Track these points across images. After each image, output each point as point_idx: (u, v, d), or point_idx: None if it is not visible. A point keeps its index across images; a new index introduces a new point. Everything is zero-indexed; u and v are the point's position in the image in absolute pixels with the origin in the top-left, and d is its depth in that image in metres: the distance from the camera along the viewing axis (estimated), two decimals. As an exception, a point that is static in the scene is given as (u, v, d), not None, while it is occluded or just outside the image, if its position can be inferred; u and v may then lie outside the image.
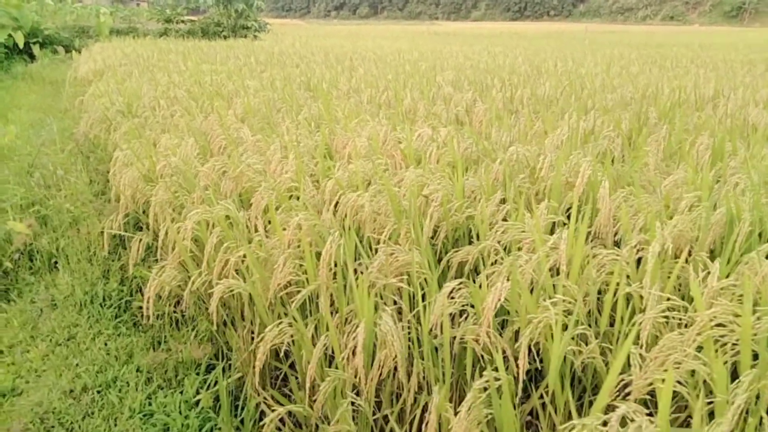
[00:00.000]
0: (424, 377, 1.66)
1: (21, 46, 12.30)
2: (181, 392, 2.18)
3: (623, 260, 1.68)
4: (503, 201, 2.35)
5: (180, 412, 2.06)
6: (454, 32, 32.53)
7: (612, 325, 1.81)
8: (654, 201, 2.17)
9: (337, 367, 1.62)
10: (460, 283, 1.64)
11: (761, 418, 1.12)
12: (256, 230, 2.30)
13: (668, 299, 1.42)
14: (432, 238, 2.28)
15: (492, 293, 1.47)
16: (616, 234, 2.12)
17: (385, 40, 20.09)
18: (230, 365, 2.28)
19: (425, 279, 1.84)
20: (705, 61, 10.29)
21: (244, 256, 1.99)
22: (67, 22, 16.33)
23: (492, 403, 1.37)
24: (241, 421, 2.00)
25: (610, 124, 3.71)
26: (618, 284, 1.63)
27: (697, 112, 4.45)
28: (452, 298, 1.67)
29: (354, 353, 1.50)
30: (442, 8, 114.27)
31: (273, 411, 1.60)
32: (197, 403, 2.11)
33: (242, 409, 2.05)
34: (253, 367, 2.00)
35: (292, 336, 1.68)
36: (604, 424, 1.11)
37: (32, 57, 12.86)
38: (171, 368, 2.34)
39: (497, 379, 1.30)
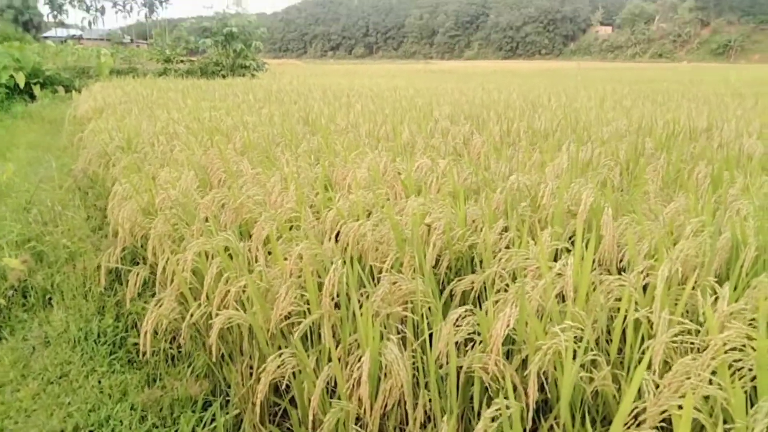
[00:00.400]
0: (430, 408, 1.61)
1: (22, 86, 12.41)
2: (177, 430, 2.10)
3: (631, 286, 1.65)
4: (506, 229, 2.33)
5: (176, 451, 1.98)
6: (449, 70, 33.21)
7: (620, 352, 1.77)
8: (657, 228, 2.16)
9: (340, 399, 1.57)
10: (467, 310, 1.60)
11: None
12: (257, 261, 2.27)
13: (680, 322, 1.39)
14: (434, 267, 2.25)
15: (500, 319, 1.44)
16: (620, 261, 2.09)
17: (381, 78, 20.45)
18: (228, 402, 2.21)
19: (429, 308, 1.80)
20: (696, 96, 10.47)
21: (245, 287, 1.96)
22: (68, 62, 16.61)
23: (502, 434, 1.32)
24: (240, 460, 1.92)
25: (607, 154, 3.73)
26: (627, 310, 1.60)
27: (692, 142, 4.49)
28: (458, 326, 1.63)
29: (359, 383, 1.45)
30: (436, 48, 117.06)
31: (274, 447, 1.54)
32: (194, 441, 2.04)
33: (240, 447, 1.98)
34: (253, 404, 1.93)
35: (293, 367, 1.63)
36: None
37: (32, 97, 13.02)
38: (166, 406, 2.26)
39: (508, 408, 1.26)
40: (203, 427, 2.09)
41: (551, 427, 1.60)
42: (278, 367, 1.59)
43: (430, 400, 1.60)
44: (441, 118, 5.84)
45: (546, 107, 7.53)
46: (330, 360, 1.61)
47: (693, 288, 1.74)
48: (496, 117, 6.01)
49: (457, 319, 1.62)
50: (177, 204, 2.80)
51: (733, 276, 1.80)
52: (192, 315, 1.99)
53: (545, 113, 6.44)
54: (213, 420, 2.11)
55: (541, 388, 1.69)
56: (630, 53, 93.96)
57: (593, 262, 2.03)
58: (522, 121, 5.55)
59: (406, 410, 1.60)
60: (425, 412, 1.61)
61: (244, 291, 1.98)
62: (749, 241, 1.86)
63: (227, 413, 2.09)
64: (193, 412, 2.20)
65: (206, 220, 2.64)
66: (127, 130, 5.24)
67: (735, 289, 1.78)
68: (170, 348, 2.59)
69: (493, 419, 1.29)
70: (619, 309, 1.67)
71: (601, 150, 3.84)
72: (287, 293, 1.77)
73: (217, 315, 1.85)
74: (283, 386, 2.01)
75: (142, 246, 3.12)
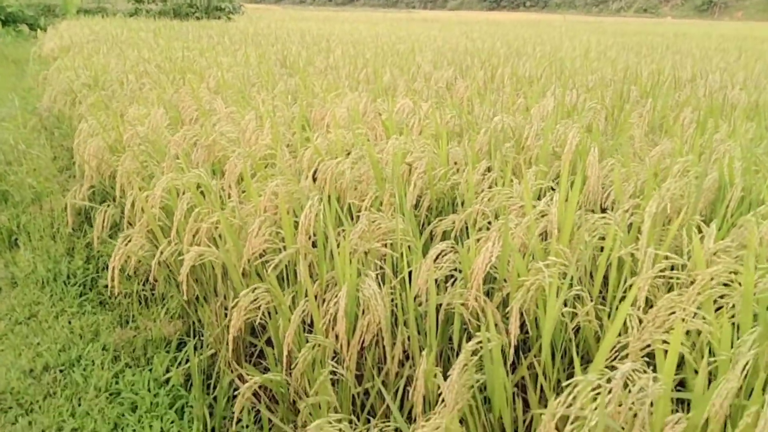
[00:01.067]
0: (408, 346, 1.57)
1: (-20, 22, 11.68)
2: (150, 370, 2.06)
3: (616, 224, 1.61)
4: (489, 170, 2.27)
5: (149, 390, 1.94)
6: (432, 19, 32.29)
7: (602, 292, 1.75)
8: (642, 169, 2.12)
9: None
10: (448, 246, 1.55)
11: (769, 376, 1.06)
12: (230, 198, 2.18)
13: (666, 257, 1.36)
14: (415, 208, 2.19)
15: (482, 254, 1.38)
16: (605, 201, 2.05)
17: (362, 24, 19.79)
18: (202, 342, 2.16)
19: (409, 247, 1.74)
20: (680, 49, 10.37)
21: (217, 223, 1.87)
22: None
23: (480, 369, 1.29)
24: (214, 398, 1.89)
25: (593, 99, 3.65)
26: (611, 248, 1.56)
27: (677, 91, 4.44)
28: (438, 264, 1.58)
29: (335, 320, 1.40)
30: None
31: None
32: (167, 381, 2.00)
33: (215, 387, 1.94)
34: (227, 343, 1.89)
35: (268, 303, 1.57)
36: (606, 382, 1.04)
37: (-6, 35, 12.34)
38: (140, 346, 2.21)
39: (489, 341, 1.22)
40: (177, 367, 2.05)
41: (531, 365, 1.58)
42: (252, 302, 1.53)
43: (408, 338, 1.56)
44: (424, 63, 5.67)
45: (531, 56, 7.37)
46: (306, 295, 1.55)
47: (678, 229, 1.71)
48: (480, 64, 5.86)
49: (437, 257, 1.57)
50: (146, 141, 2.67)
51: (718, 216, 1.77)
52: (162, 252, 1.91)
53: (530, 61, 6.29)
54: (188, 360, 2.07)
55: (521, 328, 1.66)
56: (615, 7, 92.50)
57: (578, 202, 1.98)
58: (506, 67, 5.41)
59: (384, 348, 1.56)
60: (404, 349, 1.58)
61: (216, 228, 1.89)
62: (735, 182, 1.83)
63: (202, 354, 2.05)
64: (167, 352, 2.15)
65: (177, 157, 2.52)
66: (95, 68, 4.98)
67: (720, 229, 1.76)
68: (143, 290, 2.52)
69: (473, 354, 1.25)
70: (602, 248, 1.64)
71: (586, 96, 3.76)
72: (260, 228, 1.69)
73: (188, 251, 1.77)
74: (258, 325, 1.96)
75: (111, 186, 2.99)
